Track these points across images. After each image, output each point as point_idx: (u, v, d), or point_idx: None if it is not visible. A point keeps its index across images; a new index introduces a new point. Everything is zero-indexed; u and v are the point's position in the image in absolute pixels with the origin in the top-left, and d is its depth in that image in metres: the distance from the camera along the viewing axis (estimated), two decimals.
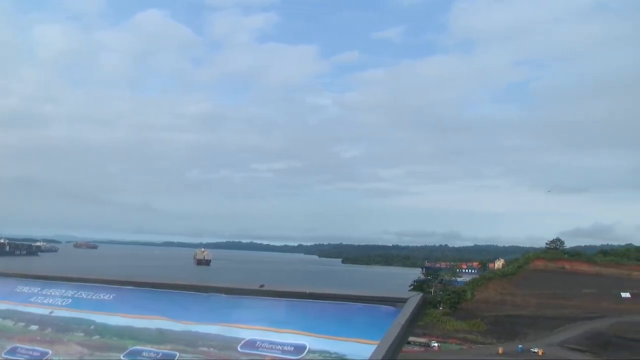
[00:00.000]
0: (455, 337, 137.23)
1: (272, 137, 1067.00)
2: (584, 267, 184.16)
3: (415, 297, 3.07)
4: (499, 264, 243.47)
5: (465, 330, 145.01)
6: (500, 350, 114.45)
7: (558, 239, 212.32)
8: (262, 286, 3.65)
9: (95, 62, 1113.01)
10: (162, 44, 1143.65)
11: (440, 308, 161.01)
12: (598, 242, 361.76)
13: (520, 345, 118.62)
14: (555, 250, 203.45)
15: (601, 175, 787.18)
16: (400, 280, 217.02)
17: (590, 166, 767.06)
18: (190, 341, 3.33)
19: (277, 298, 3.52)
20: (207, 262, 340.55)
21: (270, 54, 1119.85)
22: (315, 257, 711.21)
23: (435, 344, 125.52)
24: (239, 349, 3.13)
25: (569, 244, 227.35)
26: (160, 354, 3.30)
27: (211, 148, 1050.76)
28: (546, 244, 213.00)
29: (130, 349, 3.42)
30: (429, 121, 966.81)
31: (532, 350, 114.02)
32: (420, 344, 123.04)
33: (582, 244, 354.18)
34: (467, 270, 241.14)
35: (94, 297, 4.16)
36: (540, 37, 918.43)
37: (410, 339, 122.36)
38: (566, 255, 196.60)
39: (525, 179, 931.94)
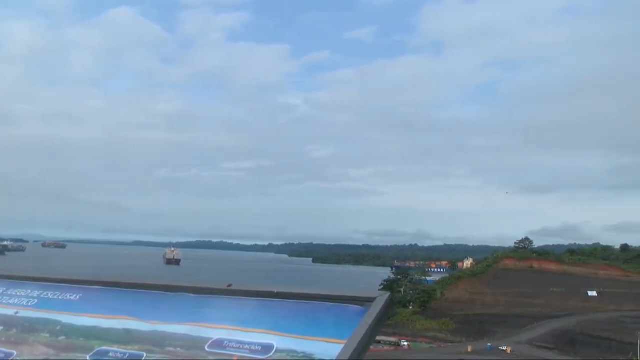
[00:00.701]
0: (425, 336, 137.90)
1: (243, 136, 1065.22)
2: (552, 266, 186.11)
3: (383, 297, 3.03)
4: (467, 263, 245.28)
5: (435, 329, 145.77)
6: (470, 348, 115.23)
7: (527, 239, 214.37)
8: (229, 286, 3.61)
9: (65, 59, 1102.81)
10: (132, 42, 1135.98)
11: (410, 307, 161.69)
12: (566, 241, 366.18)
13: (489, 344, 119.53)
14: (524, 249, 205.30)
15: (569, 175, 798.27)
16: (370, 279, 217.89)
17: (558, 167, 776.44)
18: (157, 341, 3.27)
19: (245, 297, 3.49)
20: (176, 262, 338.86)
21: (241, 53, 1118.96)
22: (285, 256, 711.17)
23: (405, 343, 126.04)
24: (206, 348, 3.08)
25: (537, 243, 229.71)
26: (127, 354, 3.23)
27: (181, 147, 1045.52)
28: (515, 243, 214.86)
29: (97, 349, 3.35)
30: (399, 121, 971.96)
31: (501, 348, 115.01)
32: (390, 343, 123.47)
33: (551, 244, 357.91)
34: (436, 270, 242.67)
35: (60, 297, 4.07)
36: (509, 39, 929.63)
37: (381, 338, 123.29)
38: (535, 255, 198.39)
39: (494, 178, 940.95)
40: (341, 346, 2.75)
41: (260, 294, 3.46)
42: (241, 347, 3.00)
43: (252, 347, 2.97)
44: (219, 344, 3.07)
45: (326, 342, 2.84)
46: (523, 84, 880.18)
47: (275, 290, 3.42)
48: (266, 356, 2.89)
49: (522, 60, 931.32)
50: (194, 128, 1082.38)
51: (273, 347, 2.93)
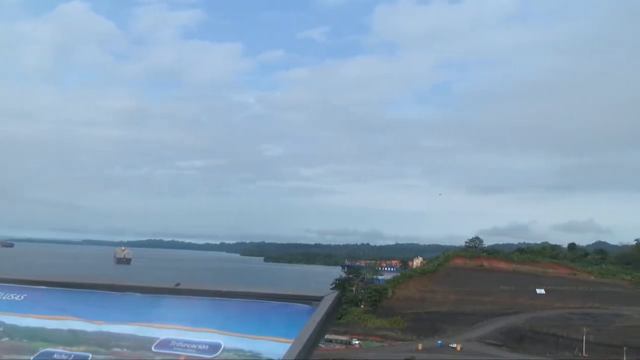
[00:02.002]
0: (376, 335, 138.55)
1: (196, 135, 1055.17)
2: (502, 265, 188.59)
3: (331, 295, 3.04)
4: (417, 262, 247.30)
5: (386, 328, 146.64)
6: (420, 346, 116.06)
7: (477, 238, 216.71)
8: (178, 285, 3.53)
9: (15, 54, 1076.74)
10: (84, 38, 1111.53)
11: (362, 306, 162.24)
12: (515, 240, 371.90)
13: (439, 341, 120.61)
14: (474, 248, 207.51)
15: (518, 176, 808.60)
16: (322, 278, 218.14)
17: (508, 167, 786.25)
18: (103, 342, 3.21)
19: (193, 297, 3.40)
20: (127, 261, 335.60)
21: (195, 51, 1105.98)
22: (237, 255, 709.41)
23: (357, 342, 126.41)
24: (153, 348, 3.06)
25: (487, 242, 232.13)
26: (72, 355, 3.18)
27: (134, 144, 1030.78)
28: (465, 242, 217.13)
29: (41, 351, 3.26)
30: (352, 121, 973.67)
31: (451, 345, 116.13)
32: (341, 342, 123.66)
33: (500, 243, 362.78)
34: (387, 269, 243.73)
35: (4, 298, 3.86)
36: (462, 41, 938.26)
37: (332, 337, 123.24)
38: (485, 254, 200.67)
39: (446, 179, 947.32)
40: (289, 345, 2.75)
41: (209, 293, 3.39)
42: (188, 346, 2.99)
43: (199, 347, 2.96)
44: (166, 343, 3.06)
45: (274, 341, 2.84)
46: (475, 86, 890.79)
47: (224, 289, 3.36)
48: (213, 355, 2.88)
49: (474, 62, 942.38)
50: (147, 125, 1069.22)
51: (220, 346, 2.92)
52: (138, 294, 3.56)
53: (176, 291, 3.49)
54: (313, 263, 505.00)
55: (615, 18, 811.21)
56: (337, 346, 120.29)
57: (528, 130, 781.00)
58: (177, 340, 3.03)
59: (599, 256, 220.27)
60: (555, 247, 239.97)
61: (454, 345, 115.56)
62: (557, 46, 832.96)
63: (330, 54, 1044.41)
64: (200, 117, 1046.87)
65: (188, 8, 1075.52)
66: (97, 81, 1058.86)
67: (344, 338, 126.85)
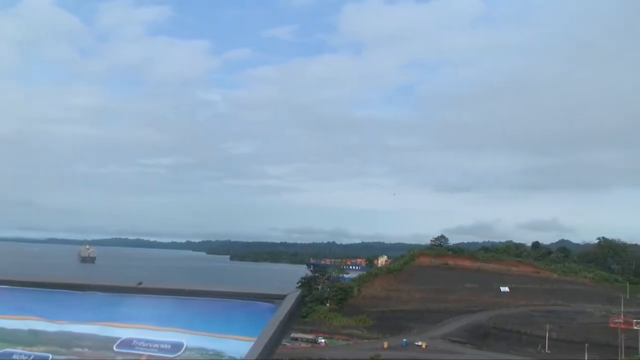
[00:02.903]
0: (341, 333, 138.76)
1: (162, 132, 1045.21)
2: (467, 263, 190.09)
3: (294, 294, 3.03)
4: (382, 260, 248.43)
5: (351, 326, 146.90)
6: (386, 344, 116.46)
7: (442, 236, 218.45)
8: (140, 284, 3.49)
9: None
10: (49, 33, 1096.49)
11: (327, 304, 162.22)
12: (480, 239, 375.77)
13: (404, 340, 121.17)
14: (439, 247, 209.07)
15: (483, 175, 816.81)
16: (288, 277, 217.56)
17: (472, 167, 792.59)
18: (64, 342, 3.18)
19: (156, 296, 3.37)
20: (91, 260, 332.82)
21: (161, 48, 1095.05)
22: (203, 254, 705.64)
23: (322, 340, 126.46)
24: (114, 348, 3.04)
25: (452, 241, 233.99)
26: (32, 356, 3.15)
27: (99, 142, 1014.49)
28: (431, 241, 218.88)
29: (0, 351, 3.24)
30: (319, 120, 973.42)
31: (416, 343, 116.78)
32: (307, 341, 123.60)
33: (465, 241, 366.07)
34: (352, 267, 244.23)
35: None
36: (428, 42, 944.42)
37: (298, 335, 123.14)
38: (450, 252, 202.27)
39: (411, 178, 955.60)
40: (251, 344, 2.76)
41: (171, 292, 3.35)
42: (150, 346, 2.99)
43: (162, 346, 2.96)
44: (128, 343, 3.05)
45: (237, 339, 2.84)
46: (441, 86, 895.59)
47: (187, 288, 3.33)
48: (175, 355, 2.88)
49: (440, 62, 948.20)
50: (112, 123, 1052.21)
51: (183, 345, 2.92)
52: (100, 293, 3.49)
53: (139, 290, 3.43)
54: (279, 262, 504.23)
55: (578, 20, 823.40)
56: (303, 345, 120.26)
57: (493, 130, 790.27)
58: (139, 340, 3.01)
59: (562, 255, 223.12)
60: (520, 246, 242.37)
61: (419, 344, 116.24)
62: (521, 48, 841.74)
63: (297, 52, 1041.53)
64: (166, 114, 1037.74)
65: (154, 4, 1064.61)
66: (62, 77, 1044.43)
67: (309, 337, 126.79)
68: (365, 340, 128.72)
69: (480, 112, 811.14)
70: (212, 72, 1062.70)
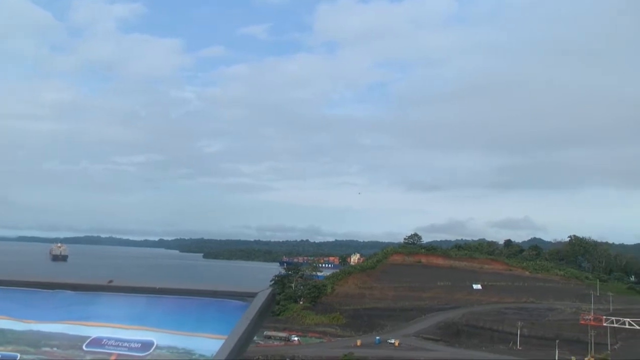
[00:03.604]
0: (315, 331, 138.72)
1: (134, 130, 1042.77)
2: (439, 261, 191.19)
3: (265, 292, 3.03)
4: (355, 258, 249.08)
5: (325, 324, 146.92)
6: (359, 342, 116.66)
7: (415, 234, 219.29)
8: (110, 282, 3.43)
9: None
10: (20, 28, 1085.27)
11: (301, 302, 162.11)
12: (453, 237, 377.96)
13: (377, 337, 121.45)
14: (412, 245, 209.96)
15: (456, 174, 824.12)
16: (262, 275, 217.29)
17: (445, 166, 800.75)
18: (32, 341, 3.14)
19: (127, 294, 3.32)
20: (63, 258, 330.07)
21: (134, 45, 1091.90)
22: (176, 252, 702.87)
23: (296, 338, 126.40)
24: (84, 347, 3.00)
25: (425, 239, 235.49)
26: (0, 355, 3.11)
27: (71, 139, 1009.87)
28: (404, 239, 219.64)
29: None
30: (292, 118, 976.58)
31: (389, 341, 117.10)
32: (280, 338, 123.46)
33: (438, 239, 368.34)
34: (325, 265, 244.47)
35: None
36: (401, 41, 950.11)
37: (271, 333, 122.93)
38: (423, 250, 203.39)
39: (384, 176, 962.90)
40: (222, 342, 2.76)
41: (142, 290, 3.31)
42: (120, 344, 2.96)
43: (132, 345, 2.94)
44: (98, 342, 3.02)
45: (207, 337, 2.83)
46: (413, 86, 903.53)
47: (158, 286, 3.30)
48: (145, 353, 2.87)
49: (412, 62, 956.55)
50: (84, 119, 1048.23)
51: (153, 344, 2.91)
52: (70, 292, 3.41)
53: (109, 288, 3.37)
54: (252, 259, 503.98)
55: (549, 22, 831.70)
56: (276, 343, 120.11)
57: (466, 129, 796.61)
58: (109, 339, 2.98)
59: (534, 252, 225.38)
60: (492, 244, 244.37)
61: (392, 341, 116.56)
62: (494, 48, 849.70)
63: (270, 51, 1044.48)
64: (139, 112, 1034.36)
65: (128, 1, 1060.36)
66: (33, 73, 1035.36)
67: (282, 334, 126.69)
68: (338, 338, 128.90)
69: (453, 111, 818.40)
70: (185, 70, 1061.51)
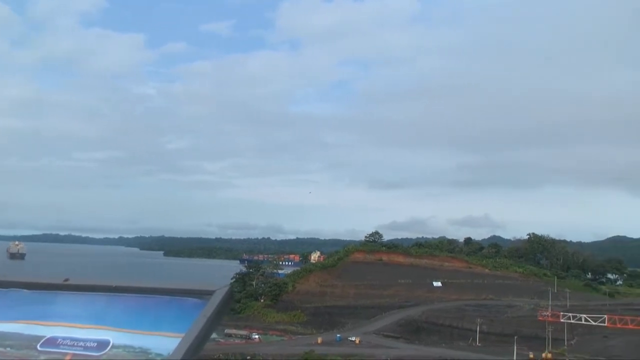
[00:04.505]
0: (276, 329, 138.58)
1: (95, 126, 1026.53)
2: (400, 259, 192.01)
3: (222, 290, 2.99)
4: (315, 256, 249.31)
5: (286, 322, 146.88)
6: (320, 340, 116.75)
7: (377, 232, 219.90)
8: (66, 280, 3.31)
9: None
10: None
11: (262, 300, 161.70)
12: (414, 235, 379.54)
13: (338, 335, 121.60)
14: (373, 242, 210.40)
15: (417, 172, 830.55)
16: (223, 272, 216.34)
17: (407, 164, 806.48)
18: None
19: (83, 292, 3.23)
20: (21, 256, 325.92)
21: (95, 40, 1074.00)
22: (136, 249, 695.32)
23: (256, 336, 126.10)
24: (38, 347, 2.93)
25: (387, 236, 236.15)
26: None
27: (30, 135, 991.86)
28: (365, 237, 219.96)
29: None
30: (255, 116, 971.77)
31: (350, 339, 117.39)
32: (241, 337, 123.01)
33: (399, 237, 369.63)
34: (285, 263, 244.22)
35: None
36: (364, 40, 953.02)
37: (232, 331, 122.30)
38: (384, 248, 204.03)
39: (346, 174, 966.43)
40: (179, 340, 2.73)
41: (98, 288, 3.25)
42: (76, 344, 2.91)
43: (87, 344, 2.88)
44: (52, 341, 2.96)
45: (164, 336, 2.79)
46: (377, 84, 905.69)
47: (114, 284, 3.23)
48: (101, 353, 2.82)
49: (376, 61, 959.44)
50: (44, 115, 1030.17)
51: (109, 343, 2.86)
52: (25, 290, 3.30)
53: (65, 287, 3.27)
54: (213, 257, 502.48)
55: (509, 23, 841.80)
56: (237, 341, 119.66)
57: (427, 128, 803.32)
58: (65, 338, 2.92)
59: (493, 250, 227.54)
60: (452, 242, 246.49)
61: (353, 339, 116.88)
62: (455, 48, 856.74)
63: (233, 48, 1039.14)
64: (100, 107, 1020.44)
65: None
66: None
67: (243, 332, 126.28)
68: (299, 336, 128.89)
69: (415, 110, 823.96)
70: (147, 66, 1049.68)
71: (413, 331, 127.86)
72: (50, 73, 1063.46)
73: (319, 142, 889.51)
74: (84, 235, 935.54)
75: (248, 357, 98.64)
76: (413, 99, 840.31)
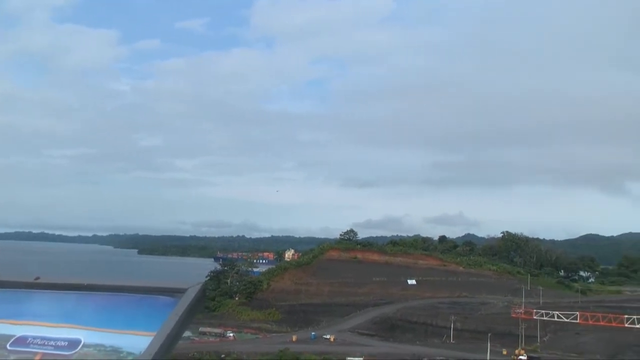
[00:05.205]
0: (250, 327, 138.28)
1: (68, 122, 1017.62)
2: (375, 257, 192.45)
3: (194, 287, 2.99)
4: (289, 254, 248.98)
5: (260, 320, 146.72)
6: (294, 338, 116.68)
7: (351, 230, 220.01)
8: (37, 278, 3.28)
9: None
10: None
11: (236, 298, 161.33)
12: (389, 233, 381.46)
13: (313, 333, 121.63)
14: (348, 240, 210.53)
15: (392, 171, 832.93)
16: (198, 270, 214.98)
17: (382, 162, 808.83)
18: None
19: (53, 291, 3.19)
20: None
21: (68, 36, 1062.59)
22: (110, 247, 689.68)
23: (231, 334, 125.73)
24: (8, 347, 2.90)
25: (361, 235, 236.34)
26: None
27: (2, 131, 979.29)
28: (340, 235, 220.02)
29: None
30: (229, 113, 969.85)
31: (325, 336, 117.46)
32: (215, 335, 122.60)
33: (374, 235, 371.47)
34: (260, 261, 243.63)
35: None
36: (339, 39, 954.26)
37: (206, 329, 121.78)
38: (359, 246, 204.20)
39: (320, 172, 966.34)
40: (150, 338, 2.72)
41: (70, 287, 3.21)
42: (46, 343, 2.88)
43: (58, 343, 2.86)
44: (22, 341, 2.94)
45: (136, 335, 2.78)
46: (351, 83, 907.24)
47: (85, 282, 3.20)
48: (72, 352, 2.80)
49: (351, 59, 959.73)
50: (16, 111, 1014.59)
51: (80, 342, 2.84)
52: None
53: (36, 285, 3.23)
54: (188, 255, 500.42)
55: (484, 23, 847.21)
56: (211, 339, 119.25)
57: (402, 127, 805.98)
58: (35, 337, 2.89)
59: (468, 248, 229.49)
60: (427, 240, 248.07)
61: (328, 336, 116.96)
62: (430, 47, 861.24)
63: (208, 45, 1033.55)
64: (73, 104, 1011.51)
65: None
66: None
67: (218, 330, 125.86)
68: (274, 334, 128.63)
69: (389, 108, 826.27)
70: (121, 62, 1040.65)
71: (388, 329, 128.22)
72: (22, 69, 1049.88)
73: (294, 141, 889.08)
74: (57, 233, 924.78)
75: (222, 355, 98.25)
76: (388, 97, 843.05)
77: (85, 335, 2.82)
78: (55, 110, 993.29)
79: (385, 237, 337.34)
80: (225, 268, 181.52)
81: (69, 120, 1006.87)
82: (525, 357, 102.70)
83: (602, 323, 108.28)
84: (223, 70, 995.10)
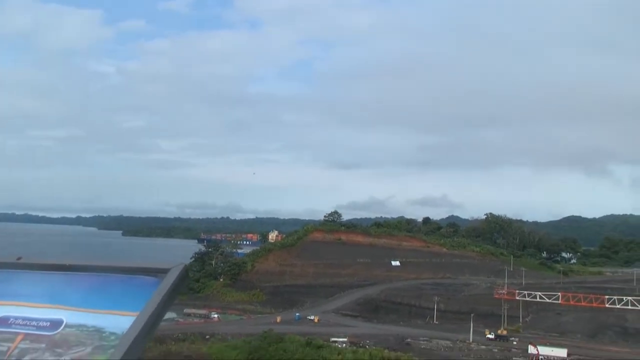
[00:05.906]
0: (235, 308, 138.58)
1: (51, 103, 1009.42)
2: (359, 238, 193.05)
3: (177, 268, 2.98)
4: (272, 235, 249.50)
5: (245, 301, 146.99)
6: (279, 319, 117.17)
7: (336, 212, 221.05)
8: (19, 259, 3.29)
9: None
10: None
11: (221, 279, 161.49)
12: (373, 214, 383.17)
13: (297, 314, 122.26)
14: (332, 222, 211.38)
15: (376, 152, 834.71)
16: (182, 252, 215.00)
17: (366, 144, 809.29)
18: None
19: (35, 271, 3.19)
20: None
21: (50, 15, 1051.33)
22: (94, 229, 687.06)
23: (215, 315, 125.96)
24: None
25: (346, 216, 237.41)
26: None
27: None
28: (324, 216, 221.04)
29: None
30: (214, 95, 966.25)
31: (309, 317, 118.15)
32: (200, 316, 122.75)
33: (358, 217, 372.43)
34: (244, 242, 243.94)
35: None
36: (323, 20, 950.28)
37: (191, 311, 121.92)
38: (343, 227, 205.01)
39: (305, 154, 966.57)
40: (133, 319, 2.71)
41: (52, 267, 3.20)
42: (28, 323, 2.89)
43: (40, 324, 2.86)
44: (4, 321, 2.94)
45: (118, 315, 2.78)
46: (336, 64, 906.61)
47: (68, 263, 3.19)
48: (54, 332, 2.79)
49: (335, 41, 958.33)
50: None
51: (62, 322, 2.84)
52: None
53: (18, 266, 3.23)
54: (172, 237, 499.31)
55: (468, 5, 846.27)
56: (196, 320, 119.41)
57: (387, 108, 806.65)
58: (16, 317, 2.90)
59: (451, 230, 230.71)
60: (411, 221, 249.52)
61: (312, 317, 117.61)
62: (415, 29, 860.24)
63: (192, 26, 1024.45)
64: (56, 85, 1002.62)
65: None
66: None
67: (202, 312, 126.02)
68: (258, 315, 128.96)
69: (374, 90, 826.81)
70: (104, 43, 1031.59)
71: (371, 310, 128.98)
72: (5, 49, 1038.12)
73: (279, 122, 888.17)
74: (40, 214, 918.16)
75: (207, 336, 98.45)
76: (373, 79, 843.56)
77: (68, 316, 2.82)
78: (39, 91, 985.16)
79: (370, 218, 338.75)
80: (210, 249, 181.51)
81: (52, 101, 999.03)
82: (493, 336, 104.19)
83: (583, 304, 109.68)
84: (207, 51, 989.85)
